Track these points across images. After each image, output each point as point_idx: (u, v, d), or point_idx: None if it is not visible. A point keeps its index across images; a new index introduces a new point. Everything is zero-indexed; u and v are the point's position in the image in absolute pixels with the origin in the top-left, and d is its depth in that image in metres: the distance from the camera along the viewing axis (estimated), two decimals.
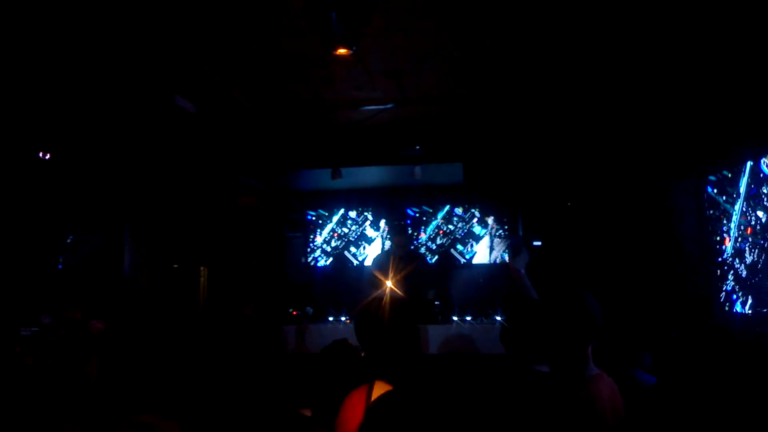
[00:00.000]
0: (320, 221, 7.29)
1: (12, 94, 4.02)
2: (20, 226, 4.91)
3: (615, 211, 6.02)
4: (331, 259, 7.27)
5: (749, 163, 4.04)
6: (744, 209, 4.08)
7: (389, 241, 7.05)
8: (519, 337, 2.52)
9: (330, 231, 7.31)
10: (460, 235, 7.04)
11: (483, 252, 6.97)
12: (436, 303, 5.51)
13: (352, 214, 7.26)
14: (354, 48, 2.63)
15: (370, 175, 6.29)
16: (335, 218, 7.28)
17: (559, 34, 3.46)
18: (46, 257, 5.53)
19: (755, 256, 3.92)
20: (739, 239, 4.14)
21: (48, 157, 4.70)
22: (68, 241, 5.94)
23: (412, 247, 6.81)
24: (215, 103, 4.52)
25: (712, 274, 4.44)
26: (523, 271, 2.95)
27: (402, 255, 5.64)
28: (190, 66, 3.88)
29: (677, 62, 3.93)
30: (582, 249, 6.24)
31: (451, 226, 7.06)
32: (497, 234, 7.02)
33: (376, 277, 5.48)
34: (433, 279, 5.93)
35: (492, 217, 6.99)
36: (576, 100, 4.66)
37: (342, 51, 2.66)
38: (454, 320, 5.21)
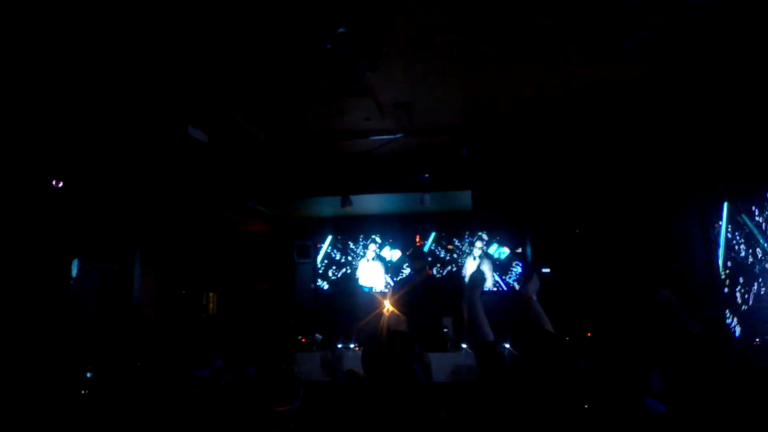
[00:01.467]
0: (328, 247, 7.32)
1: (27, 121, 4.11)
2: (30, 251, 4.97)
3: (623, 237, 6.03)
4: (338, 284, 7.28)
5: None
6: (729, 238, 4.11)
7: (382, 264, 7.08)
8: (530, 368, 2.49)
9: (337, 256, 7.32)
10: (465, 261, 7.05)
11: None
12: (444, 330, 5.51)
13: (361, 239, 7.29)
14: (353, 87, 2.72)
15: (379, 203, 6.33)
16: (336, 243, 7.29)
17: (565, 61, 3.51)
18: (56, 282, 5.57)
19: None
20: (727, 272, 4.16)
21: (61, 185, 4.77)
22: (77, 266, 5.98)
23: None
24: (227, 133, 4.59)
25: (719, 304, 4.43)
26: (534, 297, 2.94)
27: (421, 281, 5.64)
28: (204, 98, 3.96)
29: (685, 88, 3.97)
30: (591, 275, 6.24)
31: (455, 252, 7.06)
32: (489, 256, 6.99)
33: (384, 303, 5.47)
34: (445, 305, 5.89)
35: (488, 240, 6.97)
36: (584, 127, 4.70)
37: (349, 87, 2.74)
38: (463, 348, 5.20)
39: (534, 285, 2.99)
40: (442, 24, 2.93)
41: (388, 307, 5.36)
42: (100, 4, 2.74)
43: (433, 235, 7.10)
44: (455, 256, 7.05)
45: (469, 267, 6.98)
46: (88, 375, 4.25)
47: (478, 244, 6.94)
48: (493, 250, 7.07)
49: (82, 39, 3.09)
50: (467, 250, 7.00)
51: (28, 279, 4.89)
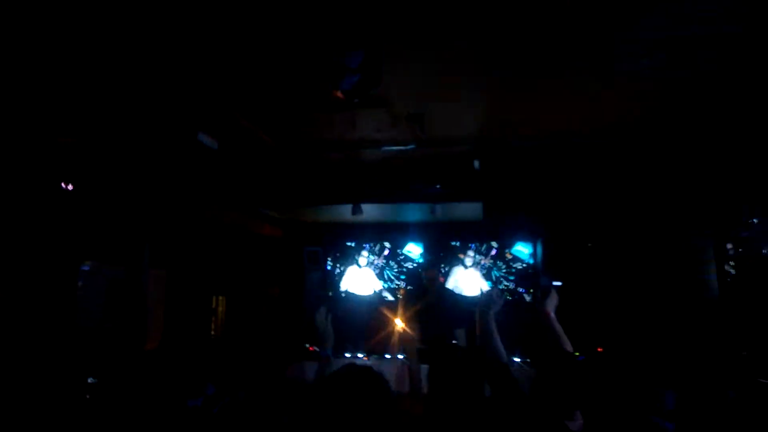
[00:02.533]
0: (338, 254, 7.24)
1: (36, 125, 4.12)
2: (41, 254, 4.98)
3: (637, 252, 5.91)
4: (341, 292, 7.16)
5: None
6: None
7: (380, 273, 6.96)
8: (553, 391, 2.40)
9: (346, 263, 7.24)
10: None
11: (469, 284, 6.74)
12: (454, 342, 5.42)
13: (372, 247, 7.20)
14: (356, 100, 2.75)
15: (390, 211, 6.25)
16: (363, 253, 7.16)
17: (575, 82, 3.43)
18: (64, 285, 5.58)
19: None
20: None
21: (71, 188, 4.77)
22: (85, 269, 5.97)
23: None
24: (238, 141, 4.56)
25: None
26: (552, 314, 2.82)
27: (433, 291, 5.45)
28: (215, 106, 3.93)
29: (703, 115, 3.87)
30: (602, 289, 6.12)
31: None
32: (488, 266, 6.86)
33: (395, 313, 5.40)
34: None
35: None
36: (598, 142, 4.60)
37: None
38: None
39: (552, 301, 2.87)
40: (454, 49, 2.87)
41: (398, 318, 5.27)
42: (114, 11, 2.72)
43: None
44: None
45: (459, 277, 6.78)
46: (90, 380, 4.21)
47: (470, 252, 6.80)
48: (517, 249, 6.92)
49: (95, 46, 3.07)
50: (462, 260, 6.79)
51: (35, 281, 4.91)
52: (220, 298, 7.51)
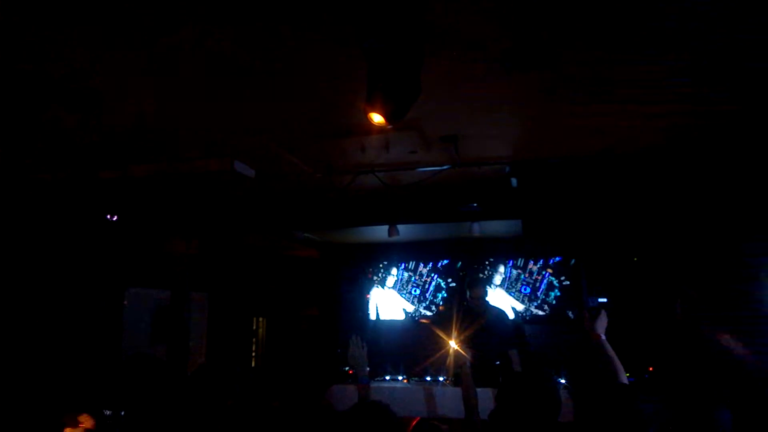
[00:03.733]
0: (376, 275, 7.21)
1: (81, 160, 4.27)
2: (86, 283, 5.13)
3: (686, 267, 5.65)
4: (387, 314, 7.13)
5: None
6: None
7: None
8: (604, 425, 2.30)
9: (385, 284, 7.20)
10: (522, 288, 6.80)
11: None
12: (497, 363, 5.28)
13: (409, 267, 7.15)
14: (391, 125, 2.72)
15: (426, 230, 6.21)
16: (392, 272, 7.14)
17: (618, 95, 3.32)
18: (110, 310, 5.72)
19: None
20: None
21: (115, 218, 4.94)
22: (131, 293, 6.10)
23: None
24: (275, 168, 4.61)
25: None
26: (603, 337, 2.73)
27: (481, 310, 5.33)
28: (250, 136, 3.98)
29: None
30: (651, 305, 5.89)
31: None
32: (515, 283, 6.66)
33: (439, 334, 5.30)
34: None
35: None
36: (641, 153, 4.45)
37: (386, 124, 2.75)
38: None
39: (602, 323, 2.77)
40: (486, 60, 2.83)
41: (451, 340, 5.12)
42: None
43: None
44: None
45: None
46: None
47: (501, 268, 6.67)
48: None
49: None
50: (492, 278, 6.68)
51: (83, 307, 5.07)
52: (261, 319, 7.58)
